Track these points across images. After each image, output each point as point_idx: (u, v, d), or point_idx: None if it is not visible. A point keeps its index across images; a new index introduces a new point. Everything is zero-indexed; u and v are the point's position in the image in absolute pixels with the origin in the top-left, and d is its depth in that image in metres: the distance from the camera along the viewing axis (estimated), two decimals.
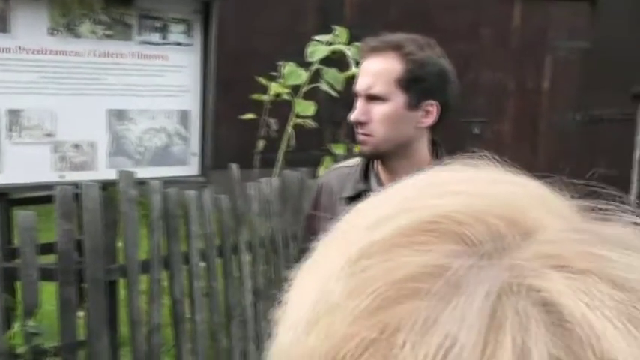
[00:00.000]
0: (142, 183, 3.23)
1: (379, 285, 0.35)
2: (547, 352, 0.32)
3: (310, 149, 5.79)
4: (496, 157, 0.47)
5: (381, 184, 2.02)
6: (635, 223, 0.40)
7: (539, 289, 0.34)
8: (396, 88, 1.92)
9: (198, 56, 3.47)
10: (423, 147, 2.02)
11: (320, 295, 0.38)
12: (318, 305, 0.38)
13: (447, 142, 7.47)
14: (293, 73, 4.56)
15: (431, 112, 1.96)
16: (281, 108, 4.73)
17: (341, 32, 4.45)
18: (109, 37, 3.34)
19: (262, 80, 4.65)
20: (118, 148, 3.42)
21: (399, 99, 1.92)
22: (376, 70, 1.93)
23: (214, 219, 3.55)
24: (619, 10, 8.27)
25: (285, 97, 4.61)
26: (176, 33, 3.42)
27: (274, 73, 4.66)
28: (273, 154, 4.80)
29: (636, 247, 0.37)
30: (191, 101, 3.53)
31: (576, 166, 8.40)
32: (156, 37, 3.39)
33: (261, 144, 4.94)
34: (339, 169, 2.18)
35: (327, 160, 4.71)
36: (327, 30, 4.58)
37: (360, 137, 1.97)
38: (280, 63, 4.61)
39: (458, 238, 0.37)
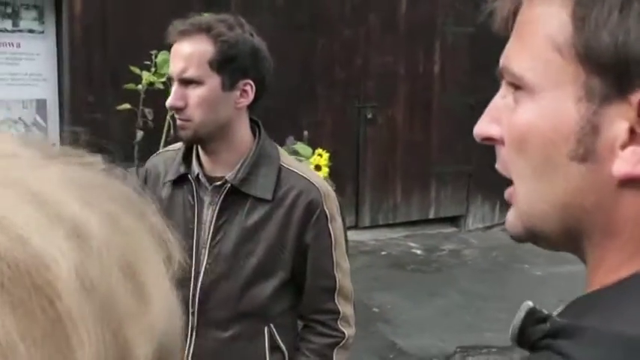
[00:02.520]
0: None
1: None
2: None
3: None
4: None
5: (201, 166, 2.01)
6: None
7: None
8: (209, 70, 1.91)
9: (53, 43, 3.37)
10: (243, 127, 2.02)
11: None
12: None
13: (342, 128, 7.54)
14: (167, 62, 4.48)
15: (247, 91, 1.97)
16: (161, 98, 4.64)
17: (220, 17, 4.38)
18: None
19: (136, 70, 4.56)
20: None
21: (213, 81, 1.91)
22: (188, 54, 1.91)
23: None
24: None
25: (160, 86, 4.53)
26: (28, 19, 3.31)
27: (147, 62, 4.57)
28: (155, 145, 4.71)
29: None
30: (48, 90, 3.42)
31: (469, 147, 8.60)
32: (7, 24, 3.27)
33: (139, 135, 4.85)
34: (165, 153, 2.17)
35: None
36: None
37: (179, 122, 1.95)
38: (153, 52, 4.52)
39: None
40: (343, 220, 2.13)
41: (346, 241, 2.13)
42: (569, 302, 0.72)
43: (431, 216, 8.51)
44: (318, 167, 4.88)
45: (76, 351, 0.37)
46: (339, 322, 2.06)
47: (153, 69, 4.48)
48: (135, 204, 0.46)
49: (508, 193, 0.77)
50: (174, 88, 1.93)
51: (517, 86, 0.72)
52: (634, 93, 0.64)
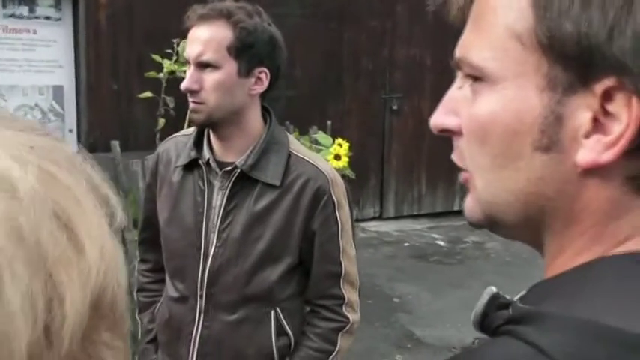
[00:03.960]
0: None
1: None
2: None
3: None
4: None
5: (212, 151, 2.03)
6: None
7: None
8: (227, 56, 1.92)
9: (69, 30, 3.39)
10: (255, 114, 2.04)
11: None
12: None
13: (368, 118, 7.51)
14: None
15: (262, 79, 1.99)
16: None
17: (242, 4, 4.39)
18: None
19: (157, 58, 4.60)
20: None
21: (230, 66, 1.93)
22: (206, 38, 1.92)
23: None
24: None
25: (182, 74, 4.55)
26: (44, 6, 3.34)
27: (169, 51, 4.60)
28: (176, 132, 4.73)
29: None
30: (65, 77, 3.45)
31: None
32: (23, 10, 3.30)
33: (161, 122, 4.88)
34: (177, 138, 2.19)
35: None
36: None
37: (192, 105, 1.96)
38: (175, 40, 4.54)
39: None
40: (350, 207, 2.13)
41: (353, 228, 2.13)
42: (531, 286, 0.72)
43: (456, 208, 8.48)
44: (338, 157, 4.88)
45: (3, 290, 0.41)
46: (344, 308, 2.08)
47: (175, 57, 4.51)
48: (77, 167, 0.52)
49: (464, 177, 0.77)
50: (190, 70, 1.94)
51: (476, 77, 0.71)
52: (597, 83, 0.64)
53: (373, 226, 8.14)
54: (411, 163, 8.25)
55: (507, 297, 0.70)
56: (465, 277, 6.39)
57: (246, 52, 1.93)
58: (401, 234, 7.92)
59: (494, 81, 0.69)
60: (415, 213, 8.47)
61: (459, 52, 0.73)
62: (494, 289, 0.71)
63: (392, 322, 5.48)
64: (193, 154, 2.04)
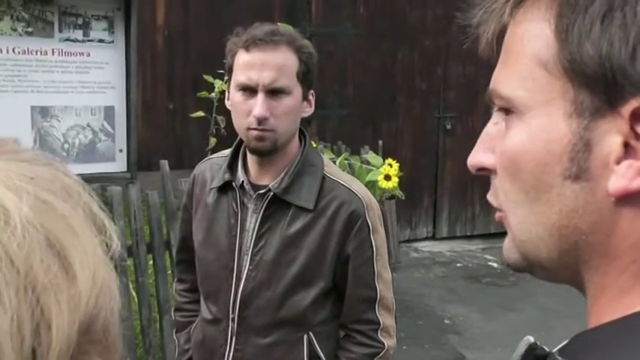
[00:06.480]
0: None
1: None
2: None
3: None
4: None
5: (247, 173, 2.03)
6: None
7: None
8: (296, 81, 1.94)
9: (121, 53, 3.49)
10: (296, 136, 2.05)
11: None
12: None
13: (421, 138, 7.44)
14: None
15: (311, 100, 2.02)
16: None
17: (285, 28, 4.44)
18: (29, 34, 3.35)
19: (209, 78, 4.66)
20: (43, 144, 3.45)
21: (298, 92, 1.95)
22: (278, 64, 1.89)
23: (146, 215, 3.56)
24: None
25: None
26: (98, 30, 3.44)
27: (221, 71, 4.66)
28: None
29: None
30: (116, 98, 3.54)
31: None
32: (78, 34, 3.41)
33: (212, 142, 4.94)
34: (213, 160, 2.20)
35: None
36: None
37: (258, 133, 1.92)
38: (226, 60, 4.60)
39: None
40: (386, 231, 2.12)
41: (389, 252, 2.12)
42: (572, 337, 0.68)
43: None
44: (388, 177, 4.86)
45: None
46: (379, 333, 2.05)
47: (226, 77, 4.55)
48: (74, 196, 0.55)
49: (497, 216, 0.75)
50: (262, 98, 1.89)
51: (508, 110, 0.70)
52: (624, 105, 0.61)
53: (426, 246, 8.09)
54: (465, 183, 8.17)
55: (545, 348, 0.68)
56: (517, 300, 6.29)
57: (307, 76, 1.96)
58: (453, 254, 7.84)
59: (523, 111, 0.68)
60: (469, 233, 8.38)
61: (491, 85, 0.73)
62: (531, 339, 0.69)
63: (442, 344, 5.42)
64: (227, 176, 2.04)
